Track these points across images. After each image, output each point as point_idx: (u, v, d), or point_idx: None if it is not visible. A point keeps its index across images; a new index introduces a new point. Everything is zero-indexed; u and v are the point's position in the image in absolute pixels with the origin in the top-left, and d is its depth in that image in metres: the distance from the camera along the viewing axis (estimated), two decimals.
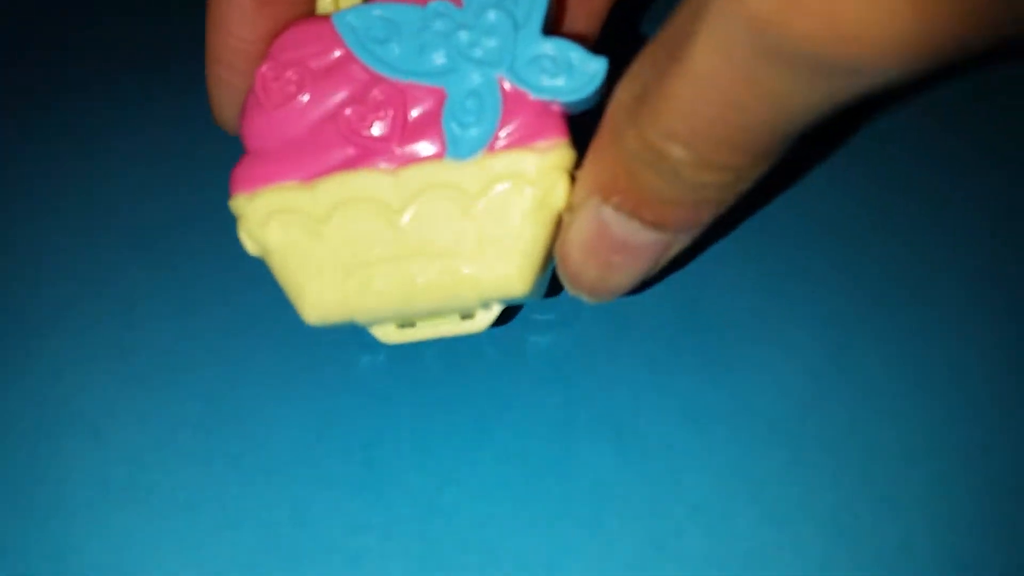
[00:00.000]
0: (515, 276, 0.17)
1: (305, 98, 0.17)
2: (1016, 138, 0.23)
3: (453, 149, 0.17)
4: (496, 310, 0.18)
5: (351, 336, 0.20)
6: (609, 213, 0.16)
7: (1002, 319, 0.20)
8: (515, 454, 0.18)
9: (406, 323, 0.18)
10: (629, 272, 0.17)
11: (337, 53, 0.18)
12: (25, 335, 0.20)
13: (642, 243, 0.17)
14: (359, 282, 0.17)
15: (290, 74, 0.18)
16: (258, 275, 0.19)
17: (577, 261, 0.17)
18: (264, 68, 0.18)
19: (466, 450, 0.19)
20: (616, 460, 0.18)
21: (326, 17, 0.18)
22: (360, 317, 0.18)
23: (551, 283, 0.19)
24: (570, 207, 0.17)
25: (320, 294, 0.17)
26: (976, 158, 0.22)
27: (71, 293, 0.21)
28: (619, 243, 0.17)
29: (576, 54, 0.17)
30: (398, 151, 0.17)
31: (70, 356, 0.20)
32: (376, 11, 0.17)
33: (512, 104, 0.17)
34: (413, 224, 0.17)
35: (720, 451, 0.18)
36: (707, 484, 0.18)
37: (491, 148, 0.17)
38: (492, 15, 0.17)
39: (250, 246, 0.18)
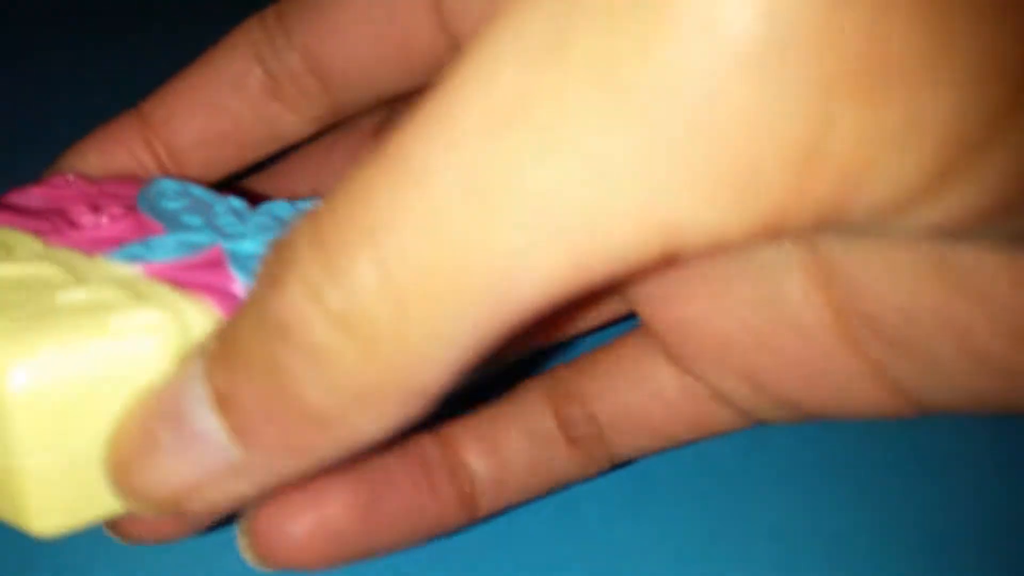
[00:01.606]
0: None
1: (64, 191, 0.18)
2: None
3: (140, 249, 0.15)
4: None
5: None
6: (196, 382, 0.13)
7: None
8: None
9: None
10: (170, 466, 0.13)
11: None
12: None
13: (203, 434, 0.13)
14: None
15: (77, 183, 0.18)
16: None
17: (129, 427, 0.13)
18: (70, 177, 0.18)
19: None
20: None
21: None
22: None
23: None
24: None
25: None
26: None
27: None
28: (178, 414, 0.13)
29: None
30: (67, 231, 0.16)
31: None
32: (191, 189, 0.18)
33: (210, 261, 0.15)
34: None
35: None
36: None
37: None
38: (261, 222, 0.17)
39: None
